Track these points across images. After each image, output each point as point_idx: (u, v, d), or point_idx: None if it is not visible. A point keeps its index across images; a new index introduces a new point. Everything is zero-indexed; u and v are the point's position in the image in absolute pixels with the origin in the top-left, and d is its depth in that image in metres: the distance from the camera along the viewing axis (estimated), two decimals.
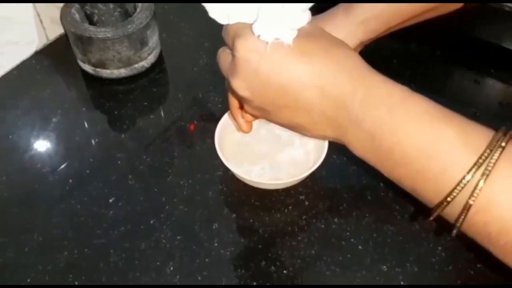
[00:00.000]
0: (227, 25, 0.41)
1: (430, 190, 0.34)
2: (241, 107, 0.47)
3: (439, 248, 0.50)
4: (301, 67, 0.36)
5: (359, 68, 0.37)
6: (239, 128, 0.49)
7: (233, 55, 0.38)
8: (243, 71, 0.38)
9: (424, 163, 0.34)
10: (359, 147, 0.38)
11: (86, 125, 0.63)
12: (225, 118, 0.55)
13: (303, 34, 0.37)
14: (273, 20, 0.36)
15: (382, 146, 0.35)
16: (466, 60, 0.69)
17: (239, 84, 0.39)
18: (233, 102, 0.48)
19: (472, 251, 0.50)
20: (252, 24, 0.38)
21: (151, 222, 0.52)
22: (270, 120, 0.42)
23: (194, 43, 0.73)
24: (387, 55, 0.69)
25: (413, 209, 0.53)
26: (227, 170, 0.55)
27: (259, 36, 0.37)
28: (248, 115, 0.47)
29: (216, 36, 0.73)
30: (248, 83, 0.38)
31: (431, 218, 0.35)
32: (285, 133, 0.57)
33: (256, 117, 0.46)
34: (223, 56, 0.42)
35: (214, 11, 0.41)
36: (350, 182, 0.55)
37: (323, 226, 0.52)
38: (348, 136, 0.38)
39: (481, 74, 0.67)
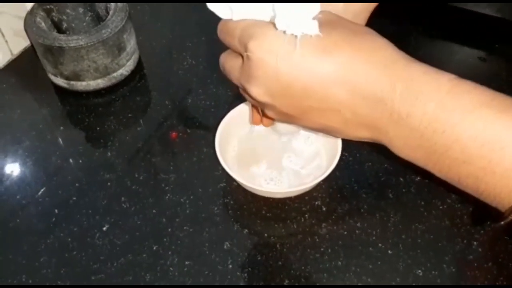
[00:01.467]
0: (230, 23, 0.36)
1: (501, 189, 0.30)
2: (262, 113, 0.43)
3: (475, 243, 0.46)
4: (325, 64, 0.32)
5: (392, 58, 0.33)
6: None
7: (246, 58, 0.34)
8: (261, 75, 0.33)
9: (491, 159, 0.29)
10: (404, 147, 0.33)
11: (66, 146, 0.56)
12: (224, 123, 0.49)
13: (320, 25, 0.32)
14: (291, 11, 0.31)
15: (436, 145, 0.31)
16: (468, 37, 0.65)
17: (257, 90, 0.34)
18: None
19: (510, 243, 0.45)
20: (258, 21, 0.34)
21: (154, 248, 0.46)
22: (297, 124, 0.37)
23: (175, 44, 0.67)
24: None
25: (439, 203, 0.48)
26: (231, 180, 0.50)
27: (284, 31, 0.32)
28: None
29: (198, 34, 0.68)
30: (267, 87, 0.34)
31: (504, 222, 0.31)
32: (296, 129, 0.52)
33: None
34: (230, 61, 0.37)
35: (216, 3, 0.35)
36: (368, 181, 0.51)
37: (345, 232, 0.47)
38: (388, 135, 0.33)
39: (486, 51, 0.63)
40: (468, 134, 0.30)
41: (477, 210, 0.47)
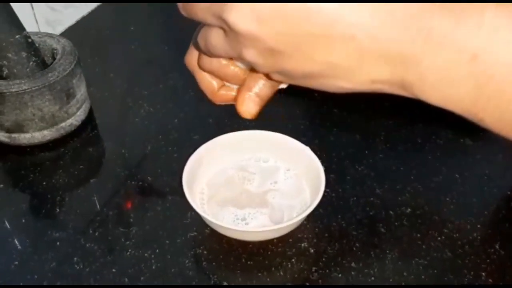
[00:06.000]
0: None
1: None
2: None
3: (483, 274, 0.41)
4: None
5: None
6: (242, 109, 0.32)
7: None
8: None
9: None
10: (443, 82, 0.25)
11: (5, 205, 0.48)
12: (190, 164, 0.44)
13: None
14: None
15: (494, 67, 0.24)
16: None
17: (238, 13, 0.25)
18: (208, 85, 0.34)
19: None
20: None
21: None
22: (284, 68, 0.27)
23: (129, 93, 0.62)
24: None
25: (436, 234, 0.44)
26: (202, 228, 0.44)
27: None
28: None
29: (155, 83, 0.64)
30: (252, 8, 0.24)
31: None
32: (269, 165, 0.47)
33: (258, 71, 0.30)
34: None
35: None
36: (356, 217, 0.46)
37: (340, 275, 0.41)
38: (421, 67, 0.25)
39: None
40: None
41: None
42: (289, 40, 0.25)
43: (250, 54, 0.27)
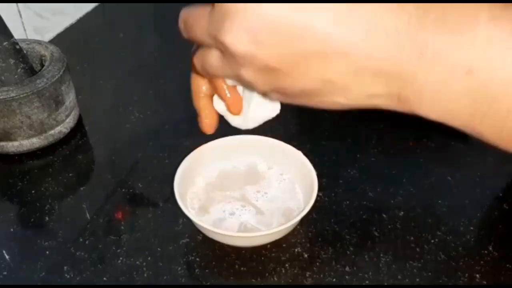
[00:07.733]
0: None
1: None
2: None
3: (477, 276, 0.41)
4: None
5: None
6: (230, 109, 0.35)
7: None
8: (239, 14, 0.25)
9: None
10: (441, 98, 0.25)
11: None
12: (182, 169, 0.44)
13: None
14: None
15: (491, 82, 0.23)
16: None
17: (235, 35, 0.25)
18: (198, 88, 0.36)
19: None
20: None
21: None
22: (281, 86, 0.28)
23: (119, 99, 0.62)
24: None
25: (430, 237, 0.44)
26: (194, 235, 0.43)
27: None
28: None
29: (145, 88, 0.63)
30: (248, 29, 0.25)
31: None
32: (262, 170, 0.46)
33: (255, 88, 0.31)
34: (195, 9, 0.29)
35: None
36: (349, 220, 0.45)
37: (334, 279, 0.40)
38: (417, 83, 0.25)
39: None
40: None
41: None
42: (285, 58, 0.26)
43: (248, 74, 0.27)
